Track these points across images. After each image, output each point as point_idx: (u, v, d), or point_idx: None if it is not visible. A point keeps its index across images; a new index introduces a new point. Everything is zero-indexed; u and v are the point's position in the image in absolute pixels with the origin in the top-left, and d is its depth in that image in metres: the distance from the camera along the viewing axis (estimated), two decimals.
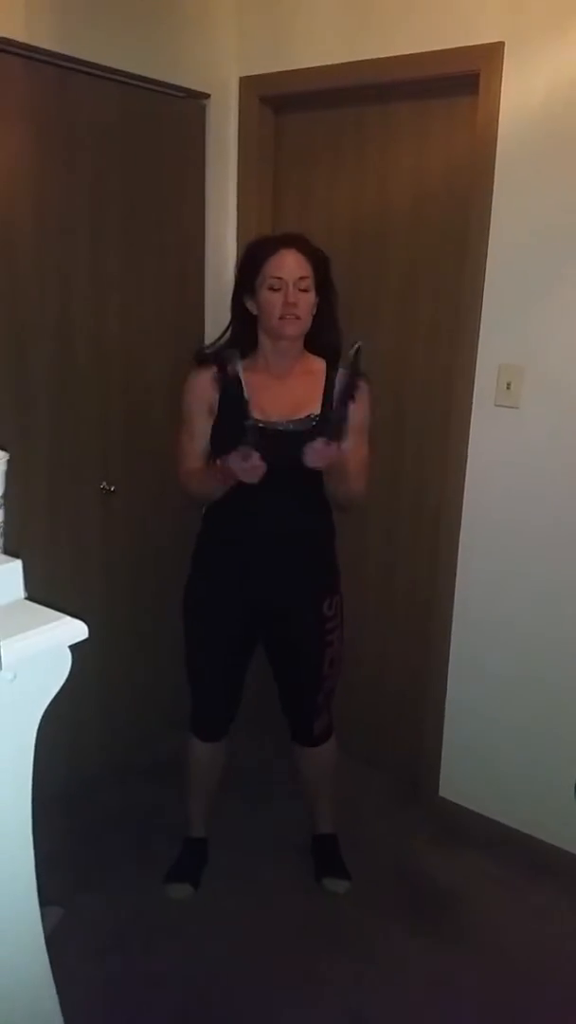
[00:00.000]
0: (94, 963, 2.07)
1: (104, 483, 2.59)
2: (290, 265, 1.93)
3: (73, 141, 2.33)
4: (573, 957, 2.14)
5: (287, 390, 2.03)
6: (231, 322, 2.10)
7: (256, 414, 1.99)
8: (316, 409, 2.02)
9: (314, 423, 1.99)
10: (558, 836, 2.45)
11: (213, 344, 2.14)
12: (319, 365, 2.08)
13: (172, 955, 2.13)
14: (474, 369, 2.38)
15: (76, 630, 1.06)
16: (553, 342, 2.25)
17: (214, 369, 2.04)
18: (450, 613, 2.58)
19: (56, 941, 2.02)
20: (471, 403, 2.41)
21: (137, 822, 2.61)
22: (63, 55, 2.21)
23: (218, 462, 1.95)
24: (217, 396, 2.03)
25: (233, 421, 1.98)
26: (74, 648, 1.08)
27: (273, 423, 1.99)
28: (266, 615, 2.20)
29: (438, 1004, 2.02)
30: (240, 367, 2.02)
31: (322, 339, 2.07)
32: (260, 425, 1.97)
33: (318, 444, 1.88)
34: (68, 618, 1.06)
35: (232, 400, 2.01)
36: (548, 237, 2.21)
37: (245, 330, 2.06)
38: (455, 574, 2.55)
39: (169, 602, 2.75)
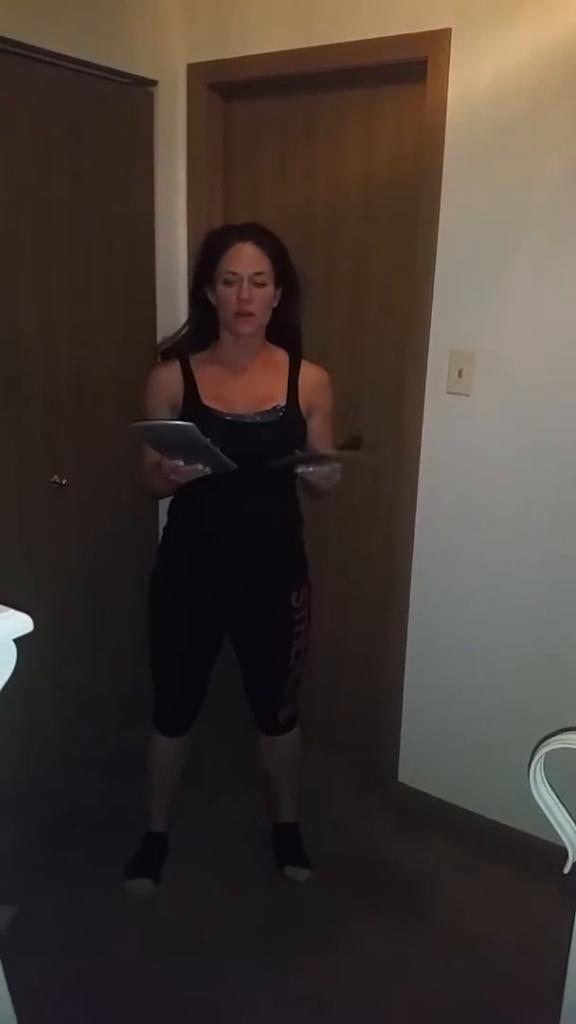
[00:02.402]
0: (53, 961, 2.04)
1: (55, 476, 2.55)
2: (246, 259, 1.91)
3: (17, 128, 2.28)
4: (534, 936, 2.17)
5: (251, 383, 2.01)
6: (190, 313, 2.07)
7: (221, 407, 1.96)
8: (282, 401, 2.00)
9: (281, 414, 1.98)
10: (514, 817, 2.48)
11: (174, 336, 2.11)
12: (281, 356, 2.06)
13: (133, 950, 2.11)
14: (426, 356, 2.39)
15: (20, 623, 1.03)
16: (502, 328, 2.27)
17: (178, 364, 2.01)
18: (407, 600, 2.59)
19: (12, 939, 2.02)
20: (424, 391, 2.42)
21: (95, 818, 2.59)
22: (6, 39, 2.16)
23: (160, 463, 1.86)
24: (182, 391, 2.00)
25: (197, 416, 1.93)
26: (19, 642, 1.05)
27: (240, 416, 1.97)
28: (233, 607, 2.18)
29: (404, 989, 2.04)
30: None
31: (284, 330, 2.06)
32: (227, 419, 1.95)
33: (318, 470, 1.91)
34: (12, 611, 1.03)
35: (195, 395, 1.99)
36: (495, 223, 2.22)
37: (206, 321, 2.03)
38: (411, 564, 2.56)
39: (125, 595, 2.74)
